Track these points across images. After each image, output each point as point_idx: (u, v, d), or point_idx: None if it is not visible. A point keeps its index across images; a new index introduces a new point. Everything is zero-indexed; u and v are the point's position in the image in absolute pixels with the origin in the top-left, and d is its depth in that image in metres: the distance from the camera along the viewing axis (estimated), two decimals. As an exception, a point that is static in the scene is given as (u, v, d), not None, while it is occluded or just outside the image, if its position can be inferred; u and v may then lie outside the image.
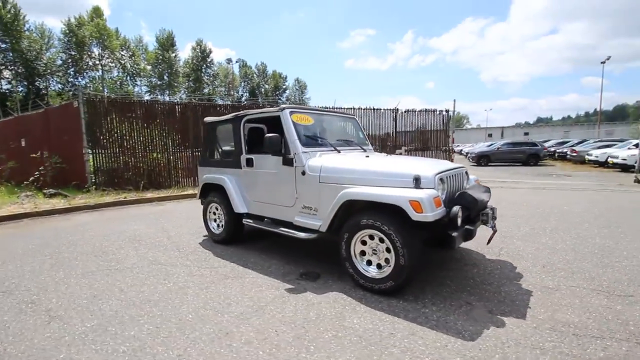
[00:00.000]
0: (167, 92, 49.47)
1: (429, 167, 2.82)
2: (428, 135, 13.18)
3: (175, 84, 49.96)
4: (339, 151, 3.60)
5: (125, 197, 7.52)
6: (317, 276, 3.13)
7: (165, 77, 49.18)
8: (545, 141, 24.27)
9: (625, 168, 12.90)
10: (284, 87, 62.66)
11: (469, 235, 2.72)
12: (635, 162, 11.60)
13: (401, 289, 2.68)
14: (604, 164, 14.68)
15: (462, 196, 2.74)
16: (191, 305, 2.62)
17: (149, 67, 48.63)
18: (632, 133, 27.28)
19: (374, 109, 12.26)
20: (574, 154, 18.42)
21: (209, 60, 52.69)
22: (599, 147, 17.34)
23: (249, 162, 3.81)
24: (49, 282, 3.11)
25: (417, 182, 2.61)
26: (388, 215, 2.62)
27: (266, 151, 3.48)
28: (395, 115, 12.56)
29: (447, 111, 13.09)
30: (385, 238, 2.61)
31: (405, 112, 12.72)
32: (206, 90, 50.49)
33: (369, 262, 2.80)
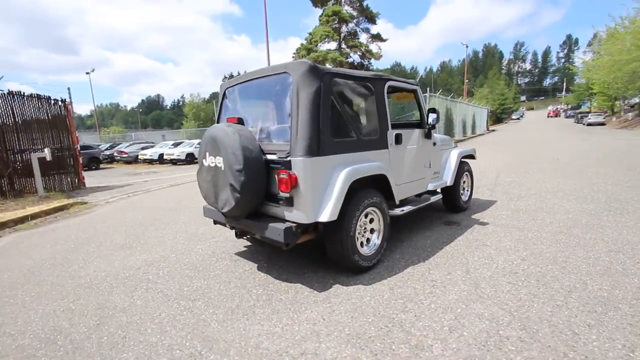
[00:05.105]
0: None
1: None
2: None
3: None
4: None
5: None
6: (457, 223, 4.08)
7: None
8: (99, 145, 22.97)
9: (175, 162, 17.30)
10: None
11: None
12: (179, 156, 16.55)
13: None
14: (157, 161, 18.10)
15: None
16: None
17: None
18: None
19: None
20: (124, 155, 20.14)
21: None
22: (143, 148, 20.37)
23: (398, 139, 3.25)
24: None
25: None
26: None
27: (404, 125, 3.63)
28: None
29: (63, 101, 9.61)
30: (468, 174, 4.62)
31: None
32: None
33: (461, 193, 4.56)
